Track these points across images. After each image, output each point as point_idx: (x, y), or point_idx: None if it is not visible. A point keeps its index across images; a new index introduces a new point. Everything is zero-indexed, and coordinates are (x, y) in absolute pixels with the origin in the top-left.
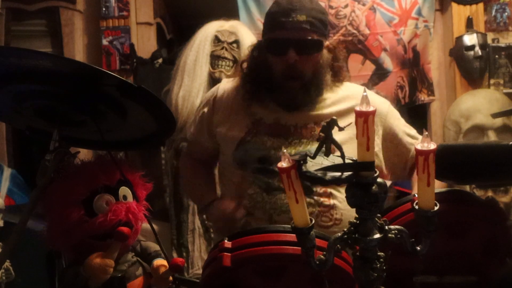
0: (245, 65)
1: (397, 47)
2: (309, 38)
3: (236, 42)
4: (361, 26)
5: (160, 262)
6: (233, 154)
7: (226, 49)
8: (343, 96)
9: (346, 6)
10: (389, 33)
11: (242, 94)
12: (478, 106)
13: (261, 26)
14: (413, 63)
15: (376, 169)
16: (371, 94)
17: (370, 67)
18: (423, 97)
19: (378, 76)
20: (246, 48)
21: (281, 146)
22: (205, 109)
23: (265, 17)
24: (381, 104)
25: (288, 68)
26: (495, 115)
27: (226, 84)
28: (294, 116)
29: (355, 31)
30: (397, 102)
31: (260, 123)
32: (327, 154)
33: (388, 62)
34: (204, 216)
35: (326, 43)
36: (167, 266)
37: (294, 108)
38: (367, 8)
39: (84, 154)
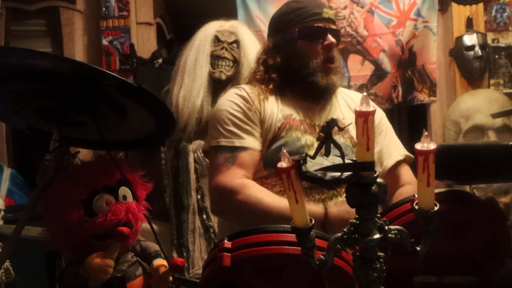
0: (265, 61)
1: (396, 48)
2: (337, 29)
3: (236, 42)
4: (360, 28)
5: (160, 262)
6: (266, 153)
7: (226, 49)
8: (351, 98)
9: (345, 7)
10: (387, 34)
11: (270, 90)
12: (478, 106)
13: (260, 23)
14: (408, 63)
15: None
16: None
17: (369, 68)
18: (423, 97)
19: (377, 77)
20: (259, 48)
21: (312, 144)
22: (248, 111)
23: (285, 14)
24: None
25: (326, 52)
26: (495, 115)
27: (247, 88)
28: (316, 114)
29: (353, 33)
30: (390, 102)
31: (290, 118)
32: (327, 154)
33: (386, 63)
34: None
35: None
36: (167, 266)
37: (323, 97)
38: (365, 10)
39: (84, 154)
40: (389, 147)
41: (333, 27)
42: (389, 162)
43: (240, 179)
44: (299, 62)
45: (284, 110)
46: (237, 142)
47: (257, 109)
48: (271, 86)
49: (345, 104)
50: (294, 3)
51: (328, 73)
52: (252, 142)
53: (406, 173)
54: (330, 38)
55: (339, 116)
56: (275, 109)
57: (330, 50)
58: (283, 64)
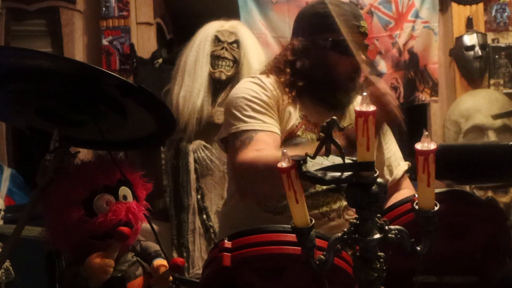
0: (288, 61)
1: (392, 50)
2: (368, 44)
3: (236, 42)
4: None
5: (160, 262)
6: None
7: (226, 49)
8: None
9: None
10: (384, 37)
11: (289, 88)
12: (478, 106)
13: (261, 27)
14: (409, 64)
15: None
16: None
17: (365, 70)
18: (424, 96)
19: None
20: (258, 48)
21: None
22: (266, 98)
23: (319, 16)
24: None
25: (354, 69)
26: (495, 117)
27: (264, 79)
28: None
29: None
30: None
31: (307, 119)
32: (327, 154)
33: (382, 65)
34: None
35: None
36: (167, 266)
37: (342, 108)
38: (364, 11)
39: (84, 154)
40: (397, 156)
41: (366, 42)
42: (398, 172)
43: (254, 153)
44: (325, 72)
45: (302, 110)
46: (257, 126)
47: (274, 97)
48: (289, 86)
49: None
50: (330, 6)
51: (350, 91)
52: (274, 126)
53: (405, 181)
54: (362, 56)
55: (349, 123)
56: (294, 106)
57: (358, 67)
58: (310, 70)
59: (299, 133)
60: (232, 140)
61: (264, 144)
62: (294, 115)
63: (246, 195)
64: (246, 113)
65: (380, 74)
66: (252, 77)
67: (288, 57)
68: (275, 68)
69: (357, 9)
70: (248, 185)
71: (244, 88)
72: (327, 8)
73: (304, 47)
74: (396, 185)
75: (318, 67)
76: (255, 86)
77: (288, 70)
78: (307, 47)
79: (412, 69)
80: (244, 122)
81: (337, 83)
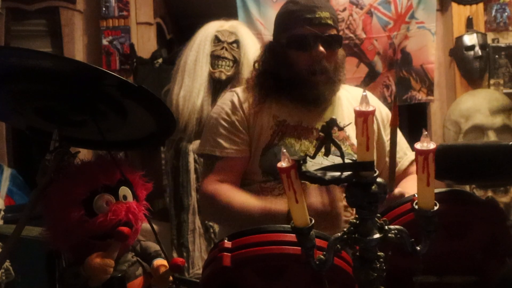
0: (261, 65)
1: (389, 51)
2: (334, 33)
3: (236, 42)
4: (358, 30)
5: (160, 262)
6: (260, 160)
7: (226, 49)
8: (355, 97)
9: (344, 9)
10: (383, 37)
11: (263, 95)
12: (478, 106)
13: (259, 26)
14: (401, 64)
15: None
16: (374, 99)
17: (363, 70)
18: (421, 96)
19: (370, 78)
20: (258, 49)
21: (308, 149)
22: (234, 118)
23: (281, 16)
24: (385, 109)
25: (314, 63)
26: (494, 112)
27: (240, 92)
28: (315, 117)
29: (352, 35)
30: (383, 100)
31: (284, 125)
32: (327, 154)
33: (379, 65)
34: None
35: None
36: (167, 266)
37: (318, 104)
38: (364, 12)
39: (84, 154)
40: (401, 146)
41: (332, 31)
42: (404, 162)
43: (214, 185)
44: (288, 71)
45: (277, 116)
46: (217, 152)
47: (245, 117)
48: (264, 92)
49: (348, 104)
50: (291, 4)
51: (316, 86)
52: (234, 151)
53: (412, 167)
54: (320, 48)
55: (342, 118)
56: (267, 115)
57: (319, 60)
58: (276, 70)
59: (275, 141)
60: (202, 158)
61: (224, 175)
62: (268, 124)
63: (206, 220)
64: (213, 136)
65: (377, 75)
66: (231, 91)
67: (257, 59)
68: (250, 76)
69: (315, 1)
70: (204, 215)
71: (219, 108)
72: (286, 7)
73: (268, 49)
74: (402, 176)
75: (280, 65)
76: (229, 105)
77: (255, 72)
78: (270, 48)
79: (405, 68)
80: (210, 145)
81: (300, 79)
